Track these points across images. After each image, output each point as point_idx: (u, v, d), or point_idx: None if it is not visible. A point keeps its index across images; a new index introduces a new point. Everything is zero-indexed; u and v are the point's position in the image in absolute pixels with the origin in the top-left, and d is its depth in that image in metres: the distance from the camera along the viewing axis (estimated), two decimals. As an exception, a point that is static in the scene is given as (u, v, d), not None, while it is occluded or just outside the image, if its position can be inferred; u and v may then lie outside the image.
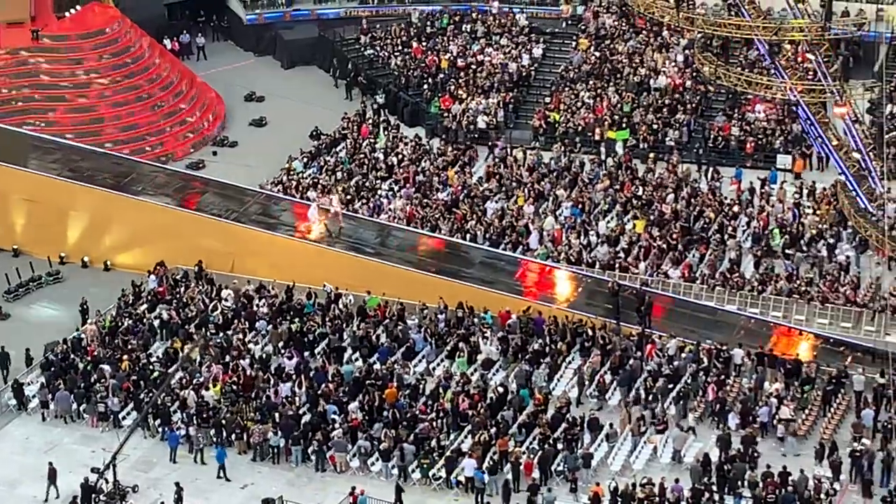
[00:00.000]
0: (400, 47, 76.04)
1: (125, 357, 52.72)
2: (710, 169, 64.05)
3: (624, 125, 67.02)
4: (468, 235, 59.80)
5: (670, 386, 49.71)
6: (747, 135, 65.88)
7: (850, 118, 58.32)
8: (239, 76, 78.69)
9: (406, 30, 77.21)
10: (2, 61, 70.95)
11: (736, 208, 60.81)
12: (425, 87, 72.57)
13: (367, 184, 64.70)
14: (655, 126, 66.89)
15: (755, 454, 46.19)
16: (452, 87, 71.63)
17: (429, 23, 77.34)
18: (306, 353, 52.98)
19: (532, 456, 46.92)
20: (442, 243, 59.18)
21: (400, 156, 66.98)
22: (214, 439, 49.26)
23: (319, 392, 50.24)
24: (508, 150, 67.05)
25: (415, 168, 65.58)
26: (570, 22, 75.84)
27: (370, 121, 71.07)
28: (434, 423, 48.62)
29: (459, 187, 63.77)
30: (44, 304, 59.25)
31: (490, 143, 67.83)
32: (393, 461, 47.42)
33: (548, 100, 70.29)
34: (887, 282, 55.50)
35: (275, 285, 56.77)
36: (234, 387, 50.75)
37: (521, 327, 52.93)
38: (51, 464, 47.44)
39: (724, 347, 50.68)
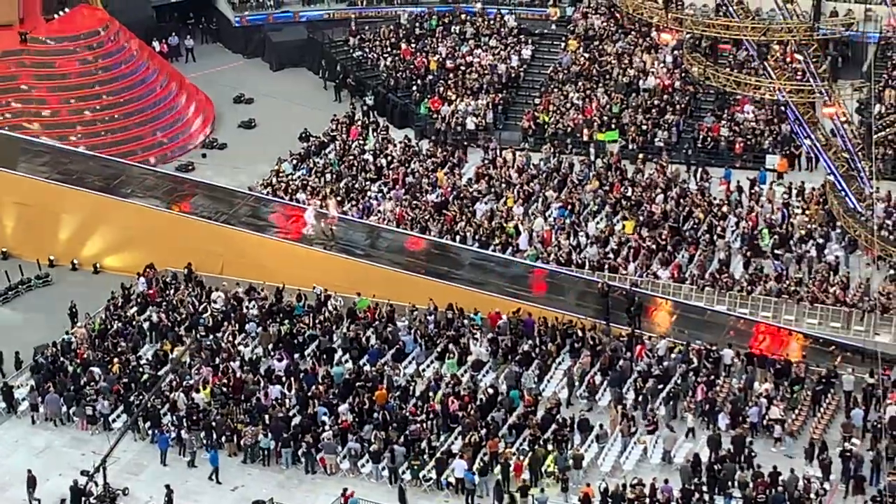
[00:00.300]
0: (389, 49, 76.00)
1: (115, 360, 52.61)
2: (700, 169, 64.09)
3: (613, 126, 67.08)
4: (458, 237, 59.80)
5: (660, 386, 49.75)
6: (736, 135, 65.95)
7: (839, 118, 58.35)
8: (228, 78, 78.60)
9: (395, 31, 77.15)
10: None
11: (725, 208, 60.86)
12: (414, 88, 72.55)
13: (356, 185, 64.69)
14: (645, 127, 66.94)
15: (751, 454, 46.24)
16: (441, 89, 71.61)
17: (417, 24, 77.32)
18: (296, 355, 52.91)
19: (522, 457, 46.94)
20: (431, 244, 59.14)
21: (389, 157, 66.94)
22: (205, 441, 49.22)
23: (309, 394, 50.17)
24: (498, 151, 67.06)
25: (404, 170, 65.53)
26: (558, 24, 75.89)
27: (359, 122, 71.02)
28: (424, 425, 48.57)
29: (449, 189, 63.77)
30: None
31: (483, 144, 67.85)
32: (383, 463, 47.39)
33: (537, 101, 70.29)
34: (876, 281, 55.57)
35: (264, 287, 56.72)
36: (225, 389, 50.70)
37: (510, 328, 52.92)
38: (30, 471, 47.11)
39: (714, 348, 50.72)
